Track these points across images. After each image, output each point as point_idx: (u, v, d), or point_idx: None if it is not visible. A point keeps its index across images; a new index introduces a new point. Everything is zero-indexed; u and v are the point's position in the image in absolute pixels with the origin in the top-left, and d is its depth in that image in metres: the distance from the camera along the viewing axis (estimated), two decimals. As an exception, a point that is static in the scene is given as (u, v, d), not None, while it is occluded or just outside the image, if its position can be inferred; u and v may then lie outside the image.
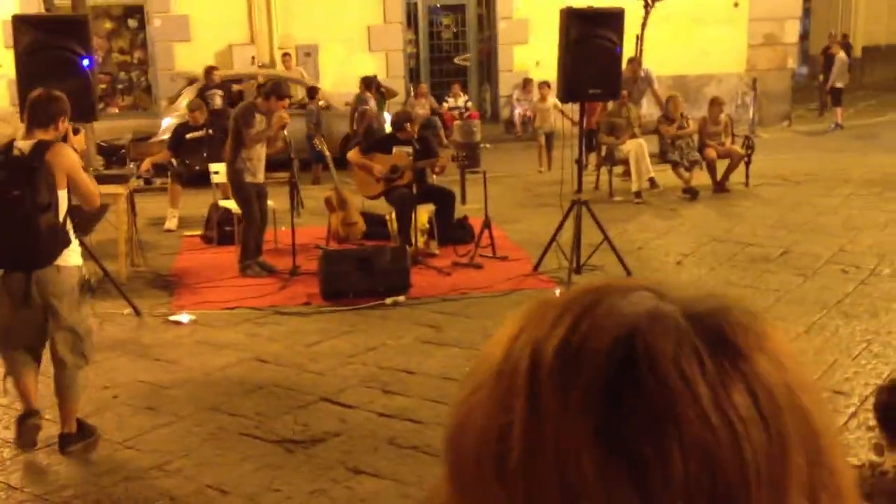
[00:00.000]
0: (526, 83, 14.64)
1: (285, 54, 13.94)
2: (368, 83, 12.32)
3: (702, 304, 0.52)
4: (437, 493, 0.54)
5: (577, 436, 0.48)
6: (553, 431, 0.48)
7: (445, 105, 15.16)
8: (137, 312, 6.06)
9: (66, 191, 4.02)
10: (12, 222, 3.84)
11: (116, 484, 3.74)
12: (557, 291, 6.20)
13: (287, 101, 7.17)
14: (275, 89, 7.12)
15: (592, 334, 0.50)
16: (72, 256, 4.04)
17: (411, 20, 16.00)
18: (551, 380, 0.49)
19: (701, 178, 9.98)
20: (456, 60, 16.31)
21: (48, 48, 5.67)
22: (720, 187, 10.04)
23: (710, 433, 0.48)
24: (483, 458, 0.50)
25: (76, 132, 4.80)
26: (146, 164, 9.63)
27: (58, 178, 3.95)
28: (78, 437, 4.08)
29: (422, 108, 14.09)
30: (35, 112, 4.09)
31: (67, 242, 4.00)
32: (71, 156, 4.10)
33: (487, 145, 13.15)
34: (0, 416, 4.50)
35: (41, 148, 3.95)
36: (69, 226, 4.04)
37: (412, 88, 15.28)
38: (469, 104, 15.24)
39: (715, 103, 10.35)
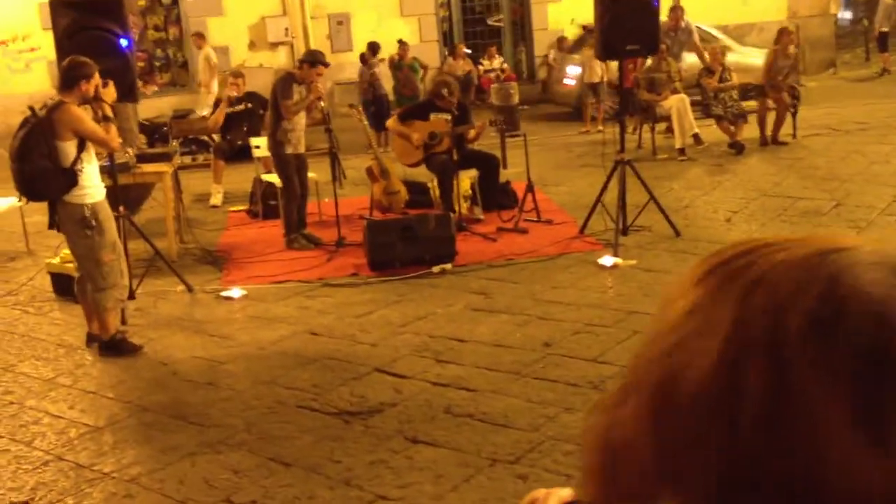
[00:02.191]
0: (561, 41, 14.40)
1: (196, 34, 13.15)
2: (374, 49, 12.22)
3: None
4: (619, 423, 0.55)
5: (831, 411, 0.48)
6: (802, 403, 0.48)
7: (481, 68, 14.97)
8: (190, 289, 6.14)
9: (72, 143, 4.76)
10: (24, 164, 4.76)
11: (182, 459, 3.82)
12: (610, 261, 6.19)
13: (321, 68, 7.11)
14: (308, 57, 7.18)
15: (846, 311, 0.49)
16: (78, 196, 4.82)
17: (442, -18, 15.78)
18: (800, 351, 0.49)
19: (747, 130, 9.76)
20: (489, 21, 16.08)
21: (86, 29, 5.70)
22: (774, 141, 9.78)
23: None
24: (704, 411, 0.51)
25: (105, 85, 5.00)
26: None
27: (60, 132, 4.75)
28: (110, 346, 5.04)
29: (461, 71, 13.93)
30: (62, 77, 4.91)
31: (73, 183, 4.78)
32: (74, 113, 4.79)
33: (525, 106, 13.01)
34: (65, 396, 4.61)
35: (54, 107, 4.78)
36: (80, 168, 4.80)
37: (446, 52, 15.12)
38: (505, 66, 15.04)
39: (784, 33, 9.81)
